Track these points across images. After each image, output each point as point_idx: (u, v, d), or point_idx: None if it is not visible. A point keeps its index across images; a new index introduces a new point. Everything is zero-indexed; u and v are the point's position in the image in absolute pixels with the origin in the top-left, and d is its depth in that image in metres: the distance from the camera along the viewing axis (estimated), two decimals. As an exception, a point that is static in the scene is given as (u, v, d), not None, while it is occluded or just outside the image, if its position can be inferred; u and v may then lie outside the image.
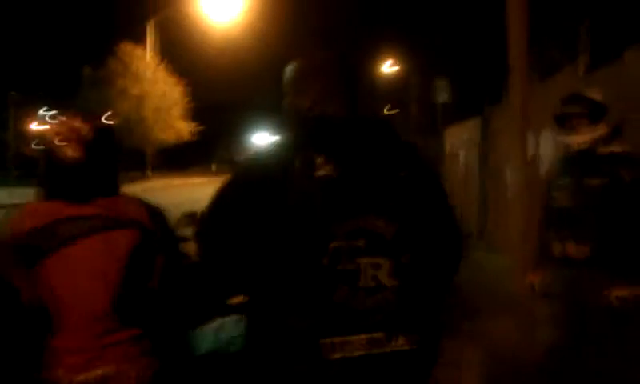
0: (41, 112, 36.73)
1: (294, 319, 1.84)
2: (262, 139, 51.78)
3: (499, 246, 8.43)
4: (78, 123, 2.34)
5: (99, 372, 2.14)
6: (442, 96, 17.04)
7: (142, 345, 2.26)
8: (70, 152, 2.25)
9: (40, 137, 2.65)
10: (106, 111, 31.54)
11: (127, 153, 34.10)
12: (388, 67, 41.13)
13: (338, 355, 1.83)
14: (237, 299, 2.70)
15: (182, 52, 36.10)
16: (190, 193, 21.48)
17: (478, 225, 10.30)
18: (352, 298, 1.84)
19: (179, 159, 37.90)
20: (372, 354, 1.86)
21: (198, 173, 39.45)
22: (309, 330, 1.82)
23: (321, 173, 1.84)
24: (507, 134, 7.60)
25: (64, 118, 2.34)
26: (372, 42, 44.43)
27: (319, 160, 1.84)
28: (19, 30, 37.86)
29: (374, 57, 42.12)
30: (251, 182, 1.93)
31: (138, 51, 33.41)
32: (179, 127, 34.43)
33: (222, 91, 46.32)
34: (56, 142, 2.27)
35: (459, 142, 12.82)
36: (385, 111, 57.34)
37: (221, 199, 2.01)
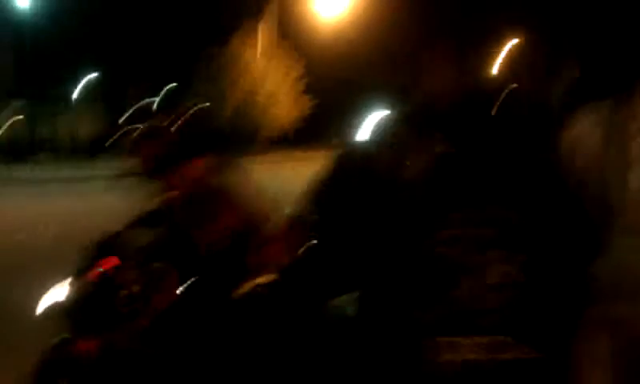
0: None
1: (405, 311, 1.67)
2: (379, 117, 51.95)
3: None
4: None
5: None
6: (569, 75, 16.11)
7: None
8: None
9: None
10: (218, 104, 32.75)
11: (241, 135, 35.28)
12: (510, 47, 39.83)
13: (447, 357, 1.63)
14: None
15: (295, 42, 36.52)
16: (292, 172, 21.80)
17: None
18: (473, 294, 1.64)
19: (297, 136, 38.36)
20: (489, 359, 1.63)
21: (317, 148, 39.98)
22: (421, 325, 1.64)
23: (441, 149, 1.69)
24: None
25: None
26: (489, 25, 42.90)
27: (439, 136, 1.71)
28: (135, 26, 39.58)
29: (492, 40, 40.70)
30: (364, 157, 1.82)
31: (250, 44, 34.11)
32: (301, 102, 34.98)
33: (336, 70, 46.46)
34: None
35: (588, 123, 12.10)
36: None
37: (334, 173, 1.89)
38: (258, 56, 34.11)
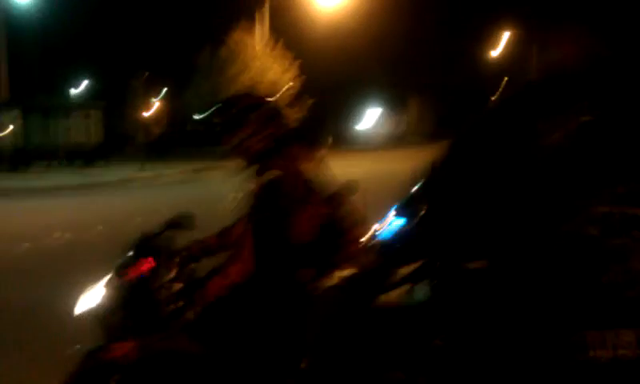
0: (153, 100, 38.64)
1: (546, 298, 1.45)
2: (375, 113, 51.84)
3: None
4: None
5: None
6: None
7: None
8: None
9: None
10: (217, 98, 32.79)
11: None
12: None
13: (596, 353, 1.44)
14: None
15: (291, 36, 36.60)
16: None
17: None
18: (624, 281, 1.42)
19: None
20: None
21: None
22: (564, 317, 1.44)
23: (587, 118, 1.50)
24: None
25: None
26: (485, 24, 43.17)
27: (585, 104, 1.52)
28: (142, 15, 39.90)
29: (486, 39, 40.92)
30: (493, 131, 1.64)
31: (248, 40, 34.24)
32: (288, 114, 34.94)
33: (331, 71, 46.60)
34: None
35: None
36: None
37: (455, 157, 1.72)
38: (258, 51, 34.13)
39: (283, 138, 2.83)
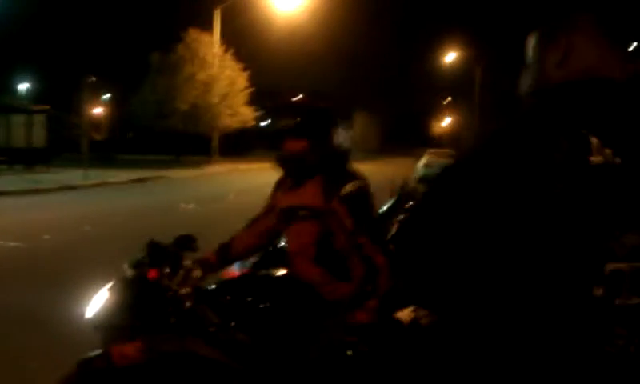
0: (104, 97, 37.79)
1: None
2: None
3: None
4: None
5: None
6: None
7: None
8: None
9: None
10: (173, 97, 32.40)
11: (194, 137, 34.95)
12: (449, 58, 40.82)
13: None
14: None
15: (246, 39, 36.60)
16: (254, 178, 21.84)
17: None
18: (632, 350, 1.27)
19: (243, 144, 38.41)
20: None
21: (260, 158, 40.17)
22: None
23: (598, 159, 1.29)
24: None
25: None
26: (437, 32, 44.24)
27: (594, 142, 1.30)
28: (89, 16, 39.14)
29: (436, 47, 41.80)
30: (494, 171, 1.36)
31: (206, 38, 33.93)
32: (244, 113, 34.84)
33: (284, 77, 46.72)
34: None
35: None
36: (443, 103, 57.02)
37: (447, 192, 1.44)
38: (215, 50, 33.59)
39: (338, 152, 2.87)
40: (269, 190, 3.13)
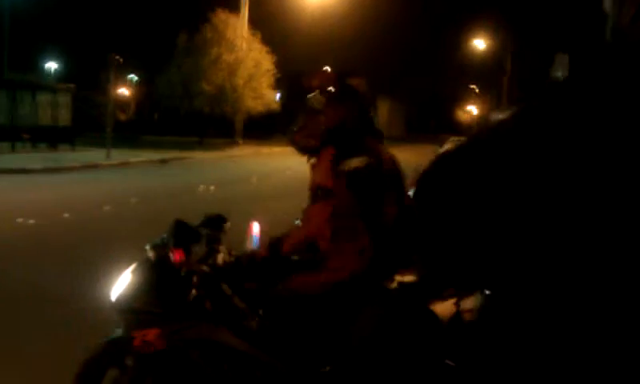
0: (131, 77, 37.84)
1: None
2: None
3: None
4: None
5: None
6: (562, 72, 16.26)
7: None
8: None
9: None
10: (199, 78, 32.35)
11: (219, 120, 34.95)
12: (478, 45, 40.42)
13: None
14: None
15: (273, 23, 36.39)
16: (276, 161, 21.83)
17: None
18: None
19: (266, 128, 38.30)
20: None
21: (278, 139, 40.41)
22: None
23: None
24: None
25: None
26: (467, 19, 43.68)
27: None
28: (111, 2, 39.25)
29: (465, 34, 41.36)
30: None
31: (233, 19, 33.78)
32: (268, 96, 34.72)
33: (310, 62, 46.60)
34: None
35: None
36: (472, 90, 56.49)
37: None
38: (242, 32, 33.44)
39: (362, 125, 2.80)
40: (290, 173, 3.02)
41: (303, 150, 2.85)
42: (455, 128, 46.35)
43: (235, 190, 14.83)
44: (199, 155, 26.03)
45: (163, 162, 22.01)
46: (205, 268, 2.69)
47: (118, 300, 2.75)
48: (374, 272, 2.57)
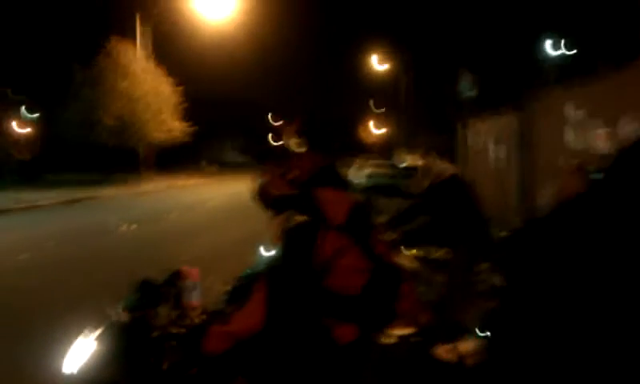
0: (23, 111, 35.96)
1: None
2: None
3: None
4: None
5: None
6: (468, 90, 16.71)
7: None
8: None
9: None
10: (98, 110, 31.09)
11: (126, 152, 33.81)
12: (378, 64, 41.50)
13: None
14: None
15: (173, 49, 35.89)
16: (192, 194, 21.39)
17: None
18: None
19: (170, 157, 37.46)
20: None
21: (188, 171, 39.90)
22: None
23: None
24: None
25: None
26: (364, 39, 44.97)
27: None
28: (7, 27, 37.32)
29: (366, 53, 42.45)
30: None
31: (127, 45, 32.77)
32: (172, 127, 33.93)
33: (213, 88, 46.28)
34: None
35: (489, 136, 12.72)
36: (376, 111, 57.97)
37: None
38: (137, 56, 32.38)
39: (312, 179, 2.52)
40: (212, 204, 2.94)
41: (274, 203, 2.55)
42: (358, 147, 47.03)
43: (159, 227, 14.45)
44: (111, 192, 25.11)
45: (74, 202, 21.10)
46: (181, 330, 2.53)
47: (79, 373, 2.49)
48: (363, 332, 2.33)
